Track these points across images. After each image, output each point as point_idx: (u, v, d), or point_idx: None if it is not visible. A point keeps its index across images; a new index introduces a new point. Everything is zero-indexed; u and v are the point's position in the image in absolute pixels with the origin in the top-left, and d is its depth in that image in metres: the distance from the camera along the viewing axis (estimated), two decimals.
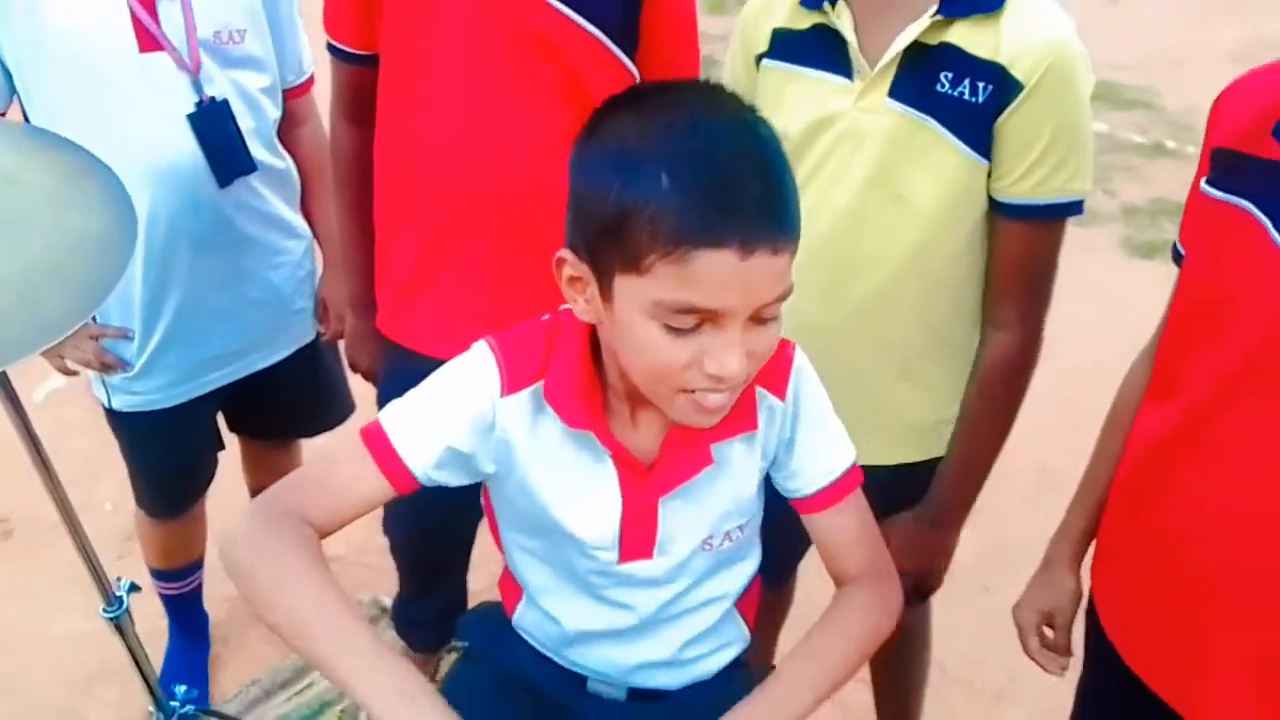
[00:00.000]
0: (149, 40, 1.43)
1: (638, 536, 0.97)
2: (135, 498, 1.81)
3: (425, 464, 0.92)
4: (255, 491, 2.04)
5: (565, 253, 0.86)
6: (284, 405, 1.83)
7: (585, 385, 0.92)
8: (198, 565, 1.95)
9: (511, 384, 0.92)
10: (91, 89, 1.41)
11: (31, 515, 2.35)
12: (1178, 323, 1.02)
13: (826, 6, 1.14)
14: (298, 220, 1.72)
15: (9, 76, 1.45)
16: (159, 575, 1.92)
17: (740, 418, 0.93)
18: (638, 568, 0.99)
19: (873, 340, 1.23)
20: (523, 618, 1.12)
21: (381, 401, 1.57)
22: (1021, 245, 1.17)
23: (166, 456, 1.74)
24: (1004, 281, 1.20)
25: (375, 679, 0.80)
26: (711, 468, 0.95)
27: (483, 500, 1.08)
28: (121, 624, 1.29)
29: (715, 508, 0.99)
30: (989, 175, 1.13)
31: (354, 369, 1.68)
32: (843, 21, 1.14)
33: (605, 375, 0.93)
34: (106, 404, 1.66)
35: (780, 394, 0.97)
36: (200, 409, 1.69)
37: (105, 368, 1.59)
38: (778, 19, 1.21)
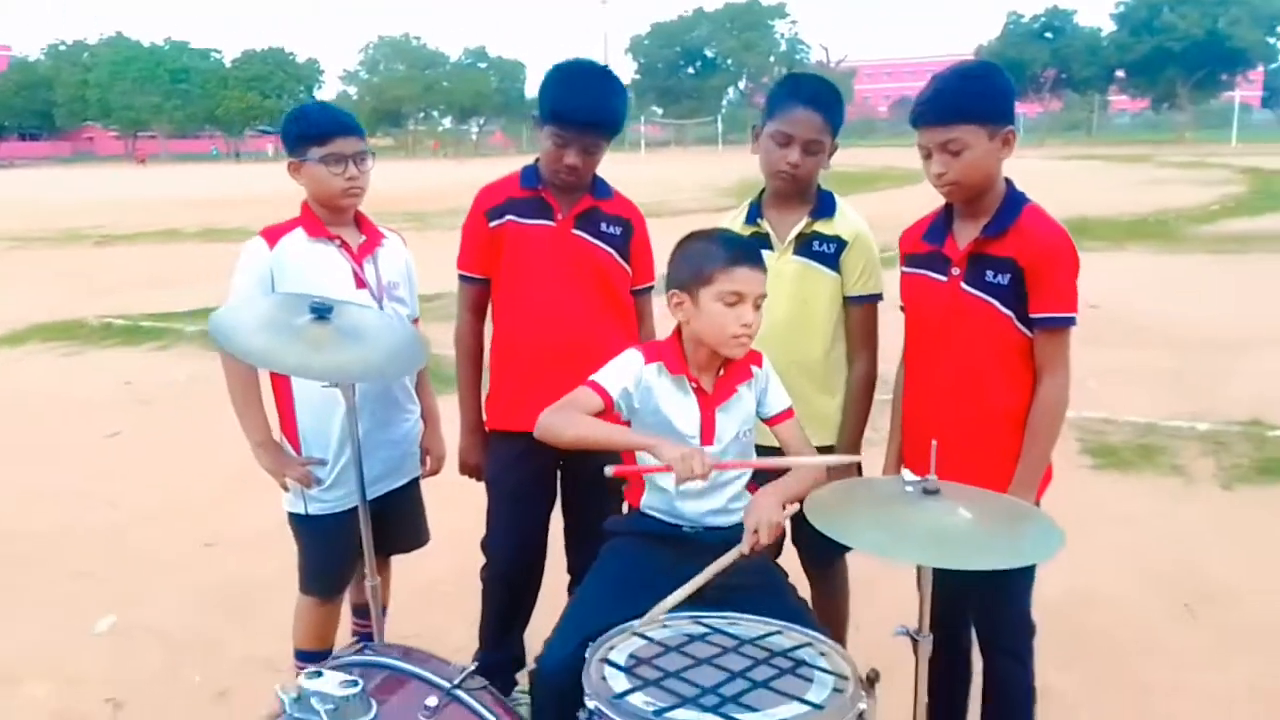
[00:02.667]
0: (360, 282, 2.58)
1: (706, 430, 2.11)
2: (303, 586, 2.64)
3: (615, 391, 2.05)
4: (356, 608, 2.88)
5: (672, 293, 2.09)
6: (395, 524, 2.75)
7: (679, 356, 2.11)
8: (330, 653, 2.70)
9: (648, 359, 2.10)
10: None
11: None
12: (909, 333, 2.35)
13: (759, 221, 2.50)
14: (414, 396, 2.79)
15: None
16: (304, 657, 2.66)
17: (745, 374, 2.14)
18: (706, 450, 2.10)
19: (803, 370, 2.44)
20: (646, 500, 2.17)
21: (490, 480, 2.62)
22: (861, 315, 2.50)
23: (336, 548, 2.61)
24: (855, 335, 2.51)
25: (631, 438, 1.92)
26: (735, 396, 2.13)
27: (610, 471, 2.14)
28: None
29: (738, 417, 2.14)
30: (841, 285, 2.48)
31: (464, 468, 2.71)
32: (767, 226, 2.50)
33: (686, 353, 2.12)
34: (303, 511, 2.56)
35: (758, 366, 2.18)
36: (358, 516, 2.61)
37: (305, 484, 2.53)
38: (738, 228, 2.50)
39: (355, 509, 2.56)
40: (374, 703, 1.65)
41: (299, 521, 2.61)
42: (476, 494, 2.75)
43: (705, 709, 1.56)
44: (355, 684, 1.64)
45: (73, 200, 26.86)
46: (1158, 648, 3.20)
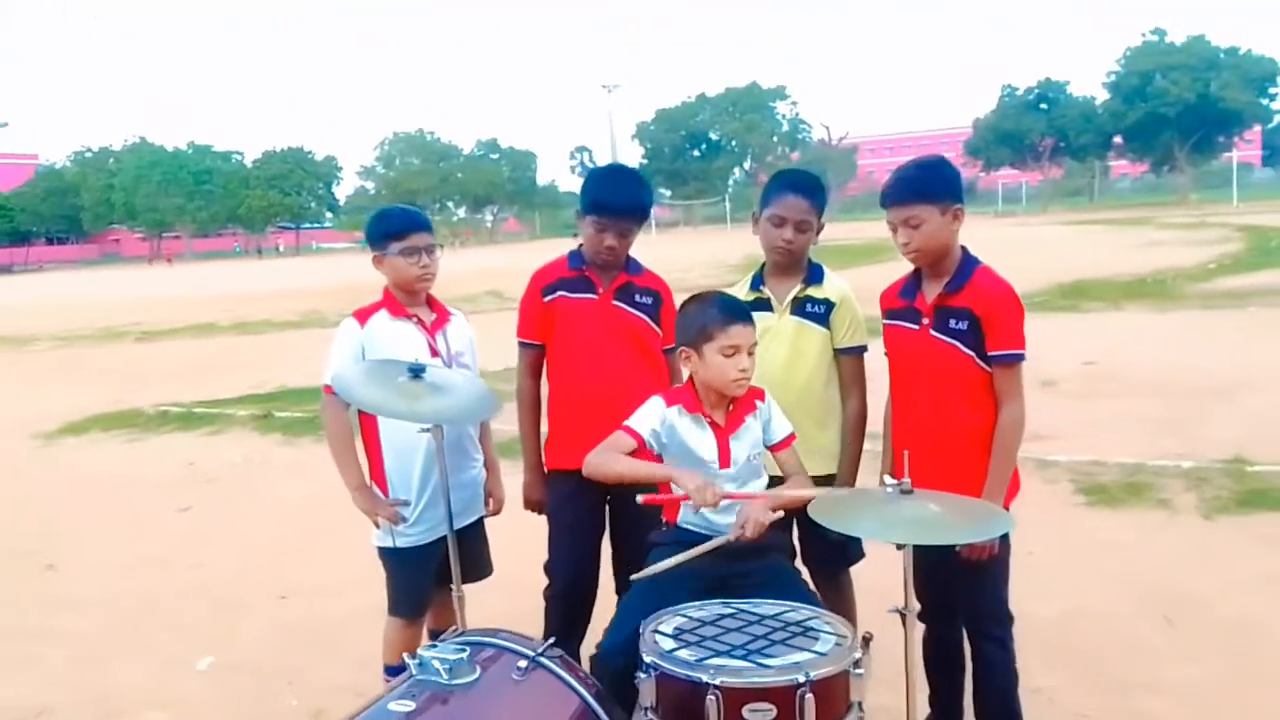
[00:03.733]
0: (434, 352, 3.11)
1: (723, 455, 2.60)
2: (391, 610, 3.12)
3: (645, 432, 2.55)
4: (434, 632, 3.33)
5: (681, 349, 2.62)
6: (465, 557, 3.21)
7: (695, 398, 2.61)
8: None
9: (669, 403, 2.61)
10: None
11: None
12: (892, 373, 2.86)
13: (761, 288, 3.03)
14: (479, 446, 3.29)
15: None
16: (393, 671, 3.10)
17: (750, 407, 2.64)
18: (724, 473, 2.59)
19: (801, 408, 2.92)
20: (682, 516, 2.65)
21: (550, 512, 3.12)
22: (850, 364, 3.01)
23: (420, 575, 3.09)
24: (847, 380, 3.01)
25: (657, 472, 2.42)
26: (744, 425, 2.63)
27: (642, 500, 2.63)
28: None
29: (748, 442, 2.63)
30: (831, 339, 2.99)
31: (528, 504, 3.22)
32: (768, 292, 3.02)
33: (700, 395, 2.63)
34: (392, 544, 3.05)
35: (761, 401, 2.68)
36: (437, 548, 3.09)
37: (394, 521, 3.03)
38: (743, 295, 3.04)
39: (435, 542, 3.08)
40: (478, 666, 2.12)
41: (388, 554, 3.10)
42: (526, 537, 3.25)
43: (735, 657, 2.03)
44: (463, 650, 2.12)
45: (107, 300, 27.92)
46: (1137, 651, 3.61)
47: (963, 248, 2.74)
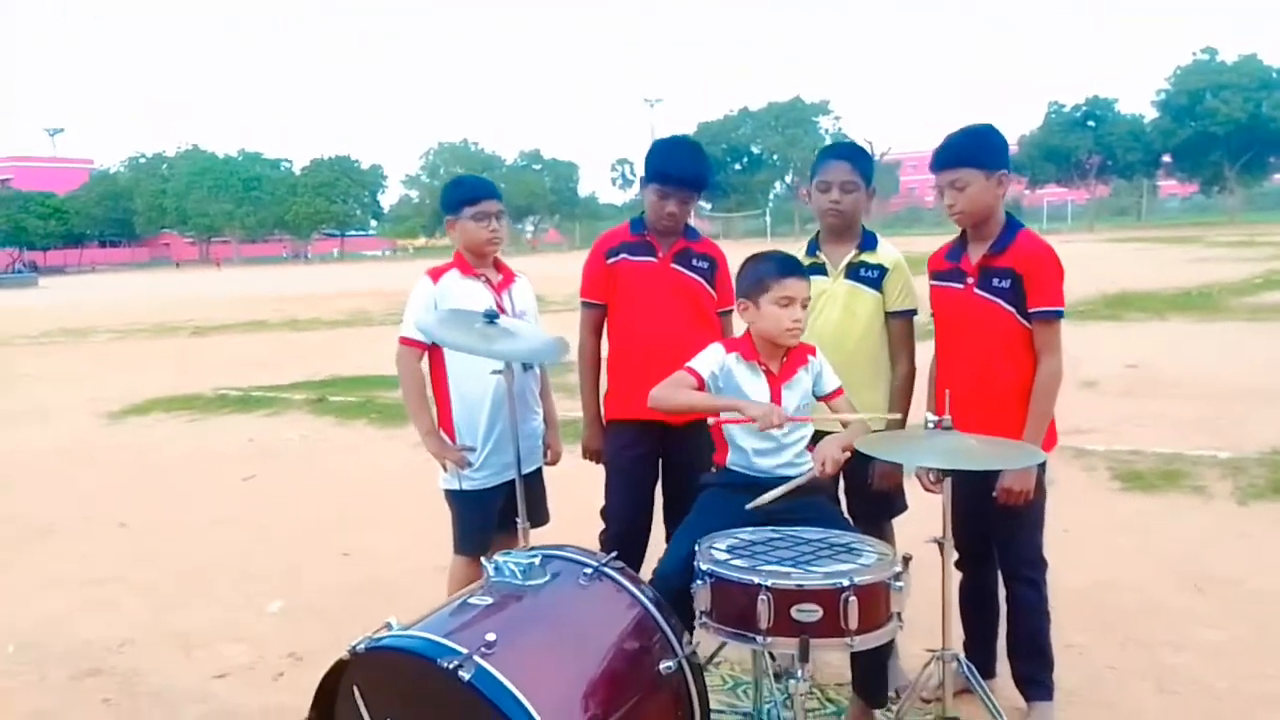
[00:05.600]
0: (500, 309, 3.33)
1: (775, 402, 2.79)
2: (456, 548, 3.33)
3: (705, 374, 2.75)
4: None
5: (739, 301, 2.81)
6: (526, 503, 3.44)
7: (752, 348, 2.80)
8: None
9: (728, 350, 2.80)
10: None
11: None
12: (938, 331, 3.03)
13: (817, 254, 3.21)
14: (539, 400, 3.51)
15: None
16: None
17: (803, 360, 2.83)
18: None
19: (851, 368, 3.07)
20: (731, 459, 2.84)
21: (608, 460, 3.33)
22: (900, 327, 3.17)
23: (483, 515, 3.31)
24: (896, 342, 3.16)
25: (717, 401, 2.61)
26: (795, 377, 2.81)
27: (711, 431, 2.83)
28: None
29: (798, 392, 2.81)
30: (883, 302, 3.16)
31: (586, 453, 3.43)
32: (823, 257, 3.20)
33: (756, 346, 2.82)
34: (458, 487, 3.27)
35: (813, 356, 2.87)
36: (500, 492, 3.30)
37: (460, 465, 3.25)
38: (802, 259, 3.20)
39: (498, 486, 3.30)
40: (548, 572, 2.33)
41: (455, 495, 3.32)
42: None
43: (785, 565, 2.22)
44: (535, 556, 2.33)
45: (161, 299, 28.68)
46: (1166, 616, 3.73)
47: (1007, 213, 2.91)
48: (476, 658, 1.93)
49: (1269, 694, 3.11)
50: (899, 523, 3.27)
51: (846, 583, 2.13)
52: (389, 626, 2.14)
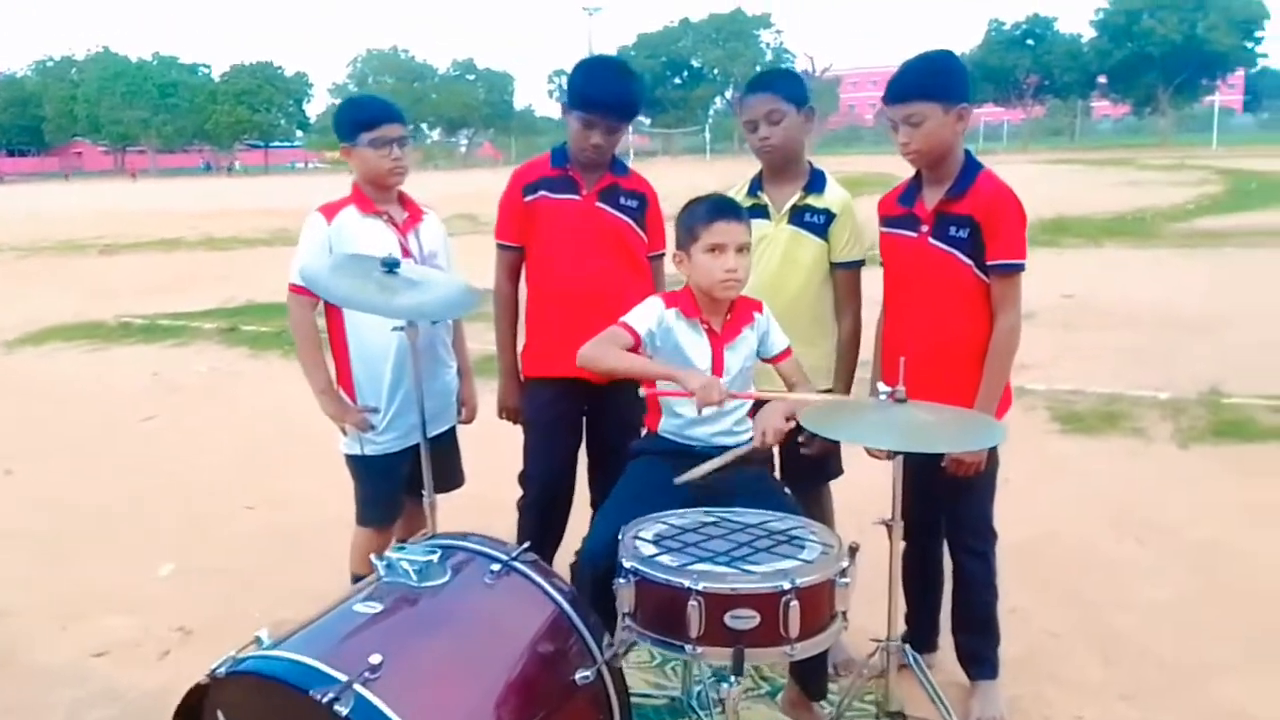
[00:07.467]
0: (405, 251, 2.96)
1: (716, 364, 2.50)
2: (359, 519, 3.02)
3: (642, 331, 2.43)
4: (401, 539, 3.24)
5: (675, 253, 2.49)
6: (437, 466, 3.12)
7: (693, 303, 2.49)
8: None
9: (667, 305, 2.49)
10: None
11: None
12: (887, 282, 2.75)
13: (759, 194, 2.89)
14: (452, 352, 3.17)
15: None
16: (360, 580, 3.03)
17: (748, 318, 2.53)
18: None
19: (789, 322, 2.76)
20: (664, 425, 2.56)
21: (526, 420, 3.02)
22: (846, 278, 2.88)
23: (389, 483, 2.99)
24: (842, 294, 2.88)
25: (654, 368, 2.29)
26: (740, 336, 2.51)
27: (645, 393, 2.54)
28: None
29: (742, 353, 2.53)
30: (828, 251, 2.86)
31: (502, 411, 3.11)
32: (766, 199, 2.88)
33: (698, 301, 2.51)
34: (360, 452, 2.94)
35: (759, 313, 2.57)
36: (406, 456, 2.98)
37: (362, 428, 2.92)
38: (741, 199, 2.88)
39: (404, 450, 2.97)
40: (448, 569, 2.04)
41: (356, 461, 2.99)
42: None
43: (719, 563, 1.95)
44: (433, 552, 2.03)
45: (70, 213, 27.20)
46: (1108, 573, 3.61)
47: (966, 151, 2.62)
48: (357, 686, 1.64)
49: (1218, 662, 2.99)
50: (837, 486, 3.05)
51: (788, 585, 1.87)
52: (258, 642, 1.82)
